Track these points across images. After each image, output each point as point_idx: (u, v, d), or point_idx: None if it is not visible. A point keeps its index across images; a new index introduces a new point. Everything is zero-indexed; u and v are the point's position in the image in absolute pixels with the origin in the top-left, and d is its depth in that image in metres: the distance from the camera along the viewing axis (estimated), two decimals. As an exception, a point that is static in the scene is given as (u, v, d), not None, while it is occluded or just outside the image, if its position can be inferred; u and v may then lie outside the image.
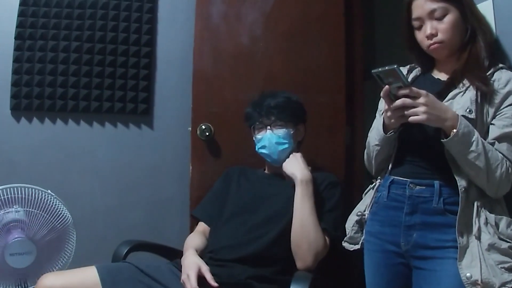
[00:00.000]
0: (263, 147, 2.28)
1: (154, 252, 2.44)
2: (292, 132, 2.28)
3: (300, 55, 2.74)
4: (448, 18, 1.72)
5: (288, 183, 2.19)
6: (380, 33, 3.36)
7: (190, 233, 2.46)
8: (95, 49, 2.87)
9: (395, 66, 1.54)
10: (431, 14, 1.74)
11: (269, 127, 2.27)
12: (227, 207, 2.33)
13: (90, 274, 2.00)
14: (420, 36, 1.80)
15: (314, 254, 2.09)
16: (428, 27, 1.75)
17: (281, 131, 2.26)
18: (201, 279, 1.97)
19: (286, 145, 2.25)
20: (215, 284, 1.96)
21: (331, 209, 2.22)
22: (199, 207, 2.48)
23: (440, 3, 1.72)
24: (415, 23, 1.80)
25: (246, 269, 2.10)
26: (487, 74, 1.70)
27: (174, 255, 2.32)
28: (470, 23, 1.73)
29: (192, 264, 2.02)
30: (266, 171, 2.44)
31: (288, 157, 2.25)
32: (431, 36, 1.75)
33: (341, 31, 2.75)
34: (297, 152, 2.30)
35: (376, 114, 1.98)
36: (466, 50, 1.74)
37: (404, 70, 1.94)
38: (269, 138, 2.25)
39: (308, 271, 2.09)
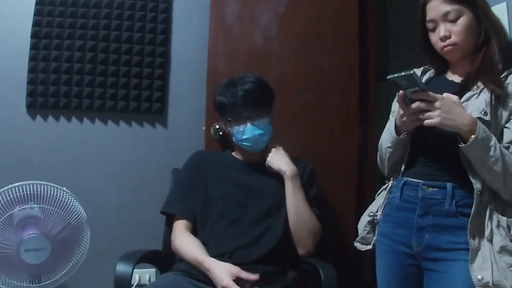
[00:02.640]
0: (247, 140, 2.23)
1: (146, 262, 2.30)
2: (269, 118, 2.27)
3: (313, 55, 2.75)
4: (462, 21, 1.72)
5: (266, 171, 2.24)
6: (394, 34, 3.34)
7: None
8: (111, 48, 2.90)
9: (413, 72, 1.54)
10: (445, 16, 1.73)
11: (249, 119, 2.22)
12: (211, 201, 2.25)
13: None
14: (434, 38, 1.80)
15: (313, 240, 2.21)
16: (442, 29, 1.74)
17: (261, 122, 2.22)
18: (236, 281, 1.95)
19: (269, 134, 2.27)
20: (255, 277, 1.94)
21: (316, 195, 2.32)
22: (172, 202, 2.31)
23: (454, 5, 1.71)
24: (429, 25, 1.79)
25: (267, 266, 2.08)
26: (501, 76, 1.69)
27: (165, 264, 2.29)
28: (484, 26, 1.72)
29: (223, 275, 1.96)
30: (239, 158, 2.38)
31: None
32: (444, 38, 1.75)
33: (355, 32, 2.75)
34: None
35: (390, 115, 1.98)
36: (480, 52, 1.73)
37: (418, 71, 1.94)
38: (251, 131, 2.21)
39: (309, 255, 2.21)
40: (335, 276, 2.03)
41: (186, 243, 2.16)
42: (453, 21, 1.73)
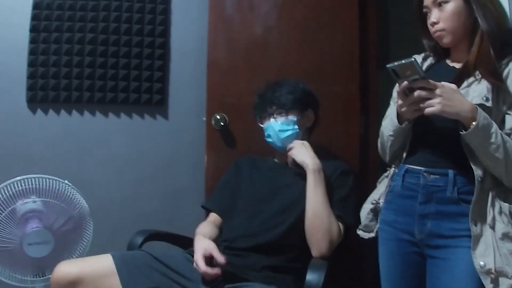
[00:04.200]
0: (268, 135, 2.30)
1: (169, 242, 2.45)
2: (296, 118, 2.28)
3: (313, 44, 2.73)
4: (449, 6, 1.73)
5: (298, 172, 2.20)
6: (394, 21, 3.32)
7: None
8: (110, 41, 2.89)
9: (413, 59, 1.53)
10: (434, 2, 1.76)
11: (272, 116, 2.29)
12: (241, 198, 2.34)
13: (105, 262, 2.01)
14: (428, 24, 1.82)
15: (329, 242, 2.09)
16: (432, 15, 1.77)
17: (282, 119, 2.26)
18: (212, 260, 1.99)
19: (290, 132, 2.25)
20: (223, 260, 1.94)
21: (344, 197, 2.22)
22: (209, 199, 2.50)
23: None
24: (425, 11, 1.81)
25: (262, 258, 2.11)
26: (502, 63, 1.69)
27: (189, 244, 2.31)
28: (474, 12, 1.72)
29: (197, 249, 2.02)
30: (276, 160, 2.45)
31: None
32: (433, 24, 1.77)
33: (355, 19, 2.74)
34: (307, 138, 2.33)
35: (390, 102, 1.98)
36: (475, 39, 1.73)
37: (419, 58, 1.94)
38: (272, 127, 2.27)
39: (323, 258, 2.09)
40: (320, 284, 1.92)
41: (199, 227, 2.28)
42: (441, 6, 1.75)
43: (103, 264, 2.00)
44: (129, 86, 2.91)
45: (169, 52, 2.99)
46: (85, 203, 2.34)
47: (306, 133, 2.37)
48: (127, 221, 2.91)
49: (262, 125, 2.35)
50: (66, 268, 1.97)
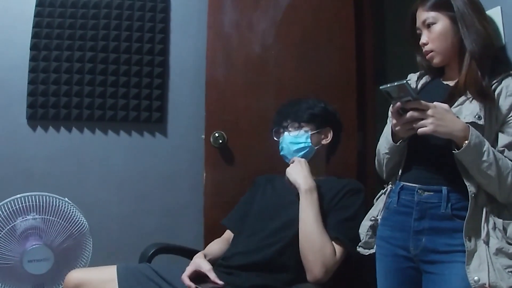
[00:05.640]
0: (282, 148, 2.28)
1: (178, 254, 2.47)
2: (310, 133, 2.25)
3: (311, 62, 2.76)
4: (437, 27, 1.78)
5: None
6: (391, 38, 3.36)
7: (205, 240, 2.49)
8: (109, 59, 2.92)
9: (405, 82, 1.56)
10: (424, 24, 1.80)
11: (286, 129, 2.27)
12: (251, 215, 2.32)
13: (109, 271, 2.11)
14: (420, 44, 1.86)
15: (321, 265, 2.01)
16: (422, 36, 1.82)
17: (296, 132, 2.24)
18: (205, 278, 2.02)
19: (302, 145, 2.22)
20: (221, 283, 1.97)
21: (348, 218, 2.12)
22: (228, 216, 2.46)
23: (431, 13, 1.78)
24: (418, 32, 1.85)
25: (252, 276, 2.08)
26: (495, 81, 1.71)
27: None
28: (460, 32, 1.75)
29: (192, 262, 2.09)
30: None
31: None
32: (423, 45, 1.82)
33: (352, 37, 2.77)
34: (324, 157, 2.32)
35: (387, 120, 2.01)
36: (465, 58, 1.75)
37: (414, 77, 1.98)
38: (285, 139, 2.25)
39: (319, 284, 2.01)
40: None
41: (211, 243, 2.36)
42: (430, 28, 1.79)
43: (107, 272, 2.12)
44: (128, 104, 2.93)
45: (168, 70, 3.02)
46: (84, 220, 2.35)
47: (324, 152, 2.33)
48: (126, 238, 2.92)
49: (277, 139, 2.33)
50: (77, 274, 2.13)
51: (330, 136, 2.31)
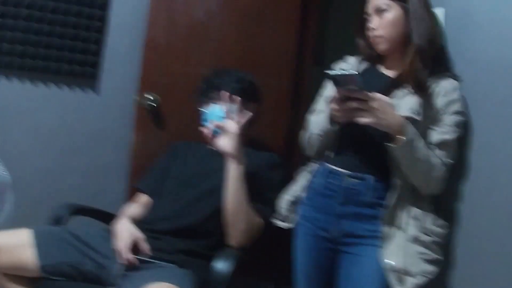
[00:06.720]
0: (206, 120, 2.27)
1: (92, 217, 2.44)
2: (236, 107, 2.25)
3: (253, 35, 2.76)
4: (388, 15, 1.81)
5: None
6: (333, 21, 3.40)
7: (127, 201, 2.47)
8: (48, 7, 2.79)
9: (356, 73, 1.60)
10: (375, 9, 1.83)
11: (213, 101, 2.28)
12: (170, 180, 2.36)
13: (24, 235, 2.04)
14: (366, 29, 1.88)
15: (245, 233, 2.14)
16: (372, 21, 1.84)
17: (224, 104, 2.24)
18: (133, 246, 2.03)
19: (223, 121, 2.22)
20: (148, 253, 2.03)
21: (269, 190, 2.23)
22: (142, 181, 2.50)
23: (385, 0, 1.81)
24: (366, 16, 1.88)
25: (177, 241, 2.14)
26: (433, 79, 1.77)
27: (113, 220, 2.32)
28: (410, 24, 1.79)
29: (126, 232, 2.08)
30: (210, 146, 2.43)
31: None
32: (371, 30, 1.84)
33: (296, 15, 2.77)
34: (245, 130, 2.32)
35: (318, 97, 2.03)
36: (409, 51, 1.79)
37: (352, 60, 2.01)
38: (212, 112, 2.24)
39: (239, 248, 2.13)
40: (228, 272, 1.97)
41: (127, 207, 2.35)
42: (381, 14, 1.82)
43: (21, 236, 2.04)
44: (62, 56, 2.82)
45: (107, 26, 2.90)
46: (6, 173, 2.27)
47: (247, 126, 2.31)
48: (49, 193, 2.83)
49: (202, 109, 2.32)
50: None
51: (253, 111, 2.35)
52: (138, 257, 2.01)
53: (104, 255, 2.06)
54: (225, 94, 2.24)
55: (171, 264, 2.01)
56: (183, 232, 2.15)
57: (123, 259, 1.99)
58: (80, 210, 2.39)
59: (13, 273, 2.00)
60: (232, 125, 2.12)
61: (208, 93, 2.33)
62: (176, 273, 1.97)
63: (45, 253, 2.00)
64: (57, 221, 2.24)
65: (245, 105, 2.29)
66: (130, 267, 2.00)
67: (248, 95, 2.34)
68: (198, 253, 2.13)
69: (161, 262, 2.02)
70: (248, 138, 2.29)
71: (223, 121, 2.16)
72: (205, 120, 2.26)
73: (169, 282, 1.84)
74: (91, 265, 2.04)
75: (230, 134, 2.13)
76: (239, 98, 2.24)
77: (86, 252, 2.06)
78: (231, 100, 2.24)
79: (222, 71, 2.39)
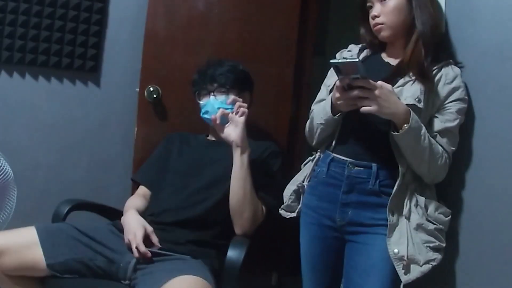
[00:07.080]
0: (206, 112, 2.30)
1: (95, 212, 2.45)
2: (233, 98, 2.27)
3: (253, 24, 2.74)
4: (390, 2, 1.80)
5: (230, 149, 2.21)
6: (334, 10, 3.38)
7: (131, 195, 2.47)
8: (46, 1, 2.78)
9: (358, 60, 1.60)
10: None
11: (212, 93, 2.30)
12: (169, 172, 2.37)
13: (29, 234, 2.02)
14: (370, 17, 1.87)
15: (252, 221, 2.17)
16: (374, 9, 1.84)
17: (223, 97, 2.29)
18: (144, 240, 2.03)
19: (228, 110, 2.22)
20: (158, 245, 2.04)
21: (271, 178, 2.30)
22: (139, 172, 2.52)
23: None
24: (368, 4, 1.87)
25: (186, 232, 2.15)
26: (435, 68, 1.76)
27: (116, 215, 2.33)
28: (413, 11, 1.79)
29: (137, 224, 2.08)
30: (209, 137, 2.48)
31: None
32: (374, 17, 1.84)
33: (297, 4, 2.76)
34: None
35: (322, 87, 2.03)
36: (412, 38, 1.79)
37: (355, 48, 2.00)
38: (211, 104, 2.28)
39: (245, 236, 2.16)
40: (240, 260, 1.98)
41: (130, 200, 2.35)
42: (384, 1, 1.81)
43: (26, 235, 2.02)
44: (62, 50, 2.81)
45: (106, 18, 2.89)
46: (9, 168, 2.27)
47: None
48: (52, 188, 2.84)
49: (200, 102, 2.35)
50: None
51: (248, 99, 2.39)
52: (151, 249, 2.00)
53: (114, 250, 2.06)
54: (221, 85, 2.29)
55: (186, 256, 2.02)
56: (191, 223, 2.17)
57: (136, 252, 1.98)
58: (84, 205, 2.39)
59: (21, 274, 1.99)
60: (238, 115, 2.16)
61: (203, 85, 2.35)
62: (194, 264, 1.99)
63: (53, 252, 1.99)
64: (61, 217, 2.23)
65: (239, 94, 2.32)
66: (144, 260, 1.99)
67: (242, 84, 2.37)
68: (208, 242, 2.16)
69: (175, 254, 2.03)
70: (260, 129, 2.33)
71: (228, 111, 2.19)
72: (206, 113, 2.28)
73: (193, 275, 1.85)
74: (101, 260, 2.03)
75: (236, 123, 2.16)
76: (235, 89, 2.30)
77: (95, 248, 2.06)
78: (229, 92, 2.28)
79: (214, 61, 2.40)
